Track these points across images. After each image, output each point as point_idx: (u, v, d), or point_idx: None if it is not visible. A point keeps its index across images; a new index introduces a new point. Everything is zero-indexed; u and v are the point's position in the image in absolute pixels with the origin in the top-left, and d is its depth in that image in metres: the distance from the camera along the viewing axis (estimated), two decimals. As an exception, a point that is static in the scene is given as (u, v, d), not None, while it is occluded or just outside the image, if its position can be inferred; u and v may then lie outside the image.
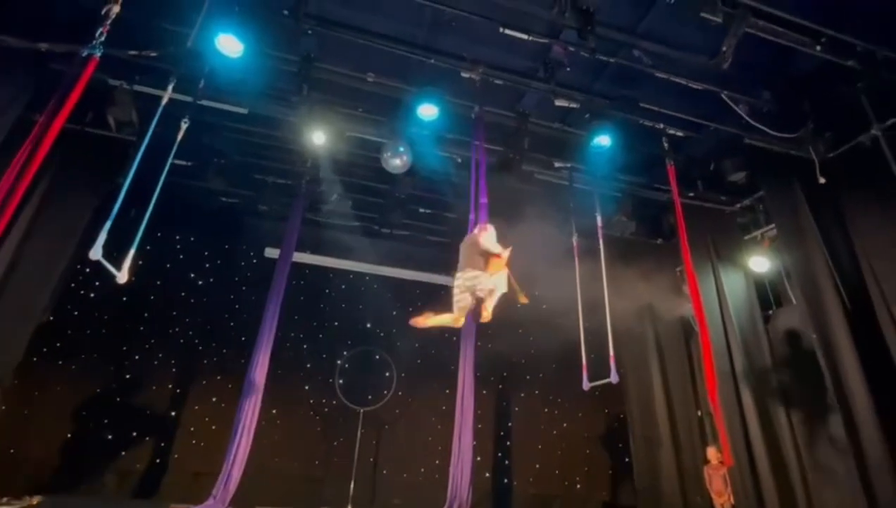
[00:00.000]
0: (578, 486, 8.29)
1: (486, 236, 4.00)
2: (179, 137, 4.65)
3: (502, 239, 4.08)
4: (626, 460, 8.19)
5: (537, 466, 8.27)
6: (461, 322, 3.91)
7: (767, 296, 7.29)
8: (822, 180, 5.71)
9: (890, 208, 5.04)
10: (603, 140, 5.94)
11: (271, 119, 6.24)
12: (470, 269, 3.83)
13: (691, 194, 7.16)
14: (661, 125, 6.11)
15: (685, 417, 7.62)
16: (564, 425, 8.65)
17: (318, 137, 6.12)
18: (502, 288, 3.85)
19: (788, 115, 5.77)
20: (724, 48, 4.64)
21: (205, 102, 5.50)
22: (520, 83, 5.66)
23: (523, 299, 4.05)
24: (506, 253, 3.78)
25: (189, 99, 5.10)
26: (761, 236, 7.30)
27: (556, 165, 6.83)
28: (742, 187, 7.03)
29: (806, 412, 6.24)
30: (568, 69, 5.30)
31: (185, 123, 4.67)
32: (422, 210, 8.12)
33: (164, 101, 4.42)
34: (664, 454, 7.35)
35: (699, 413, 7.76)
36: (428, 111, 5.71)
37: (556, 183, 7.11)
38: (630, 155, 6.43)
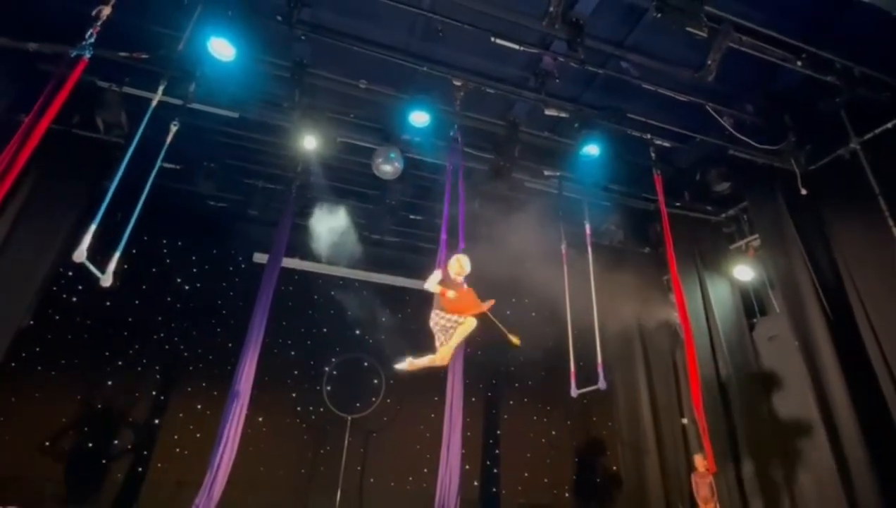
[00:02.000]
0: (567, 494, 8.27)
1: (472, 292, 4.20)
2: (169, 139, 4.59)
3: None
4: (615, 468, 8.22)
5: (526, 474, 8.24)
6: (448, 360, 4.00)
7: (752, 305, 7.42)
8: (803, 192, 5.88)
9: (868, 218, 5.19)
10: (592, 150, 6.05)
11: (262, 124, 6.23)
12: (451, 311, 4.08)
13: (678, 204, 7.31)
14: (649, 136, 6.23)
15: (670, 424, 7.67)
16: (553, 433, 8.65)
17: (309, 143, 6.13)
18: (468, 330, 4.12)
19: (771, 127, 5.95)
20: (709, 62, 4.78)
21: (195, 106, 5.48)
22: (511, 92, 5.74)
23: (516, 342, 4.26)
24: (488, 305, 4.03)
25: (179, 102, 5.06)
26: (746, 245, 7.44)
27: (546, 173, 6.93)
28: (727, 198, 7.19)
29: (790, 419, 6.34)
30: (558, 80, 5.41)
31: (175, 125, 4.62)
32: (412, 217, 8.14)
33: (154, 103, 4.37)
34: (650, 461, 7.38)
35: (684, 421, 7.82)
36: (420, 118, 5.77)
37: (546, 191, 7.20)
38: (618, 165, 6.53)
